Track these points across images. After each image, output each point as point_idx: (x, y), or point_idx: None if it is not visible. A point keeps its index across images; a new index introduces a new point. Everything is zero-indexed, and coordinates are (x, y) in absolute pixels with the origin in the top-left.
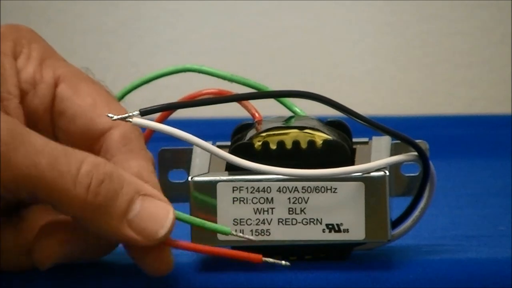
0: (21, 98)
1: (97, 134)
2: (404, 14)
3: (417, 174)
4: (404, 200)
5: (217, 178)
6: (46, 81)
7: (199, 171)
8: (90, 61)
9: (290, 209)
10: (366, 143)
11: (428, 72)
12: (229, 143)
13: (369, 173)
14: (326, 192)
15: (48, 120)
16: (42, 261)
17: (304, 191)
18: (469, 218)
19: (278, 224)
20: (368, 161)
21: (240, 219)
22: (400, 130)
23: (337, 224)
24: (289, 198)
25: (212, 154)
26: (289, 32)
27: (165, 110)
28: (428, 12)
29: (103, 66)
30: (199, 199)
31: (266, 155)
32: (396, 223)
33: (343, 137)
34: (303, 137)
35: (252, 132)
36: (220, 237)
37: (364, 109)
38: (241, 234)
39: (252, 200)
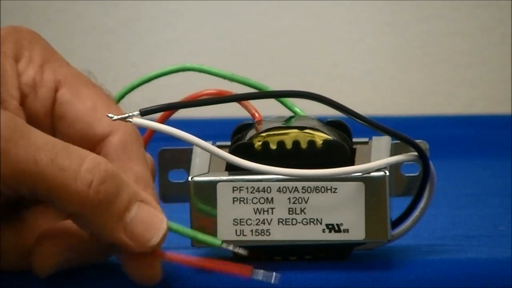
0: (22, 101)
1: (96, 138)
2: (404, 14)
3: (417, 174)
4: (404, 200)
5: (217, 178)
6: (47, 84)
7: (199, 171)
8: (90, 61)
9: (290, 209)
10: (366, 143)
11: (428, 72)
12: (229, 143)
13: (369, 173)
14: (326, 192)
15: (49, 123)
16: (41, 269)
17: (304, 191)
18: (469, 218)
19: (278, 224)
20: (368, 161)
21: (240, 219)
22: (400, 130)
23: (337, 224)
24: (289, 198)
25: (212, 154)
26: (289, 32)
27: (165, 110)
28: (428, 12)
29: (103, 66)
30: (199, 199)
31: (266, 155)
32: (396, 223)
33: (343, 137)
34: (303, 137)
35: (252, 132)
36: (221, 237)
37: (364, 109)
38: (231, 247)
39: (252, 200)
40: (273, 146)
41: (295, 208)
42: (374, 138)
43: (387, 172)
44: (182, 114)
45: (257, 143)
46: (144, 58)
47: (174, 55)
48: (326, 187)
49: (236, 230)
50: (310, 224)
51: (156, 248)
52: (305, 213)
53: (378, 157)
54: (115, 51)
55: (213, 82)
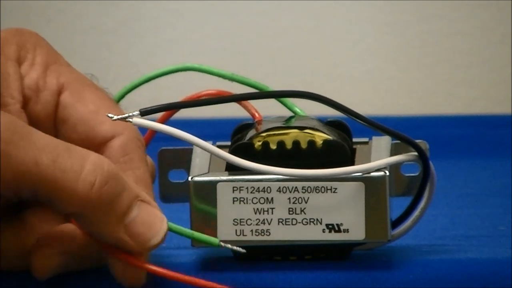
0: (24, 104)
1: (98, 142)
2: (404, 14)
3: (417, 174)
4: (404, 200)
5: (217, 178)
6: (50, 88)
7: (199, 171)
8: (90, 61)
9: (290, 209)
10: (366, 143)
11: (428, 72)
12: (229, 143)
13: (369, 173)
14: (326, 192)
15: (51, 127)
16: (40, 272)
17: (304, 191)
18: (469, 218)
19: (278, 224)
20: (368, 161)
21: (240, 219)
22: (400, 130)
23: (337, 224)
24: (289, 198)
25: (212, 154)
26: (289, 32)
27: (165, 110)
28: (428, 12)
29: (103, 66)
30: (199, 199)
31: (266, 155)
32: (396, 223)
33: (343, 137)
34: (303, 137)
35: (252, 132)
36: (221, 237)
37: (364, 109)
38: (229, 245)
39: (252, 200)
40: (273, 146)
41: (295, 208)
42: (374, 138)
43: (387, 172)
44: (182, 114)
45: (257, 143)
46: (144, 58)
47: (174, 55)
48: (326, 187)
49: (236, 230)
50: (310, 224)
51: (156, 248)
52: (305, 213)
53: (378, 157)
54: (115, 51)
55: (213, 82)
